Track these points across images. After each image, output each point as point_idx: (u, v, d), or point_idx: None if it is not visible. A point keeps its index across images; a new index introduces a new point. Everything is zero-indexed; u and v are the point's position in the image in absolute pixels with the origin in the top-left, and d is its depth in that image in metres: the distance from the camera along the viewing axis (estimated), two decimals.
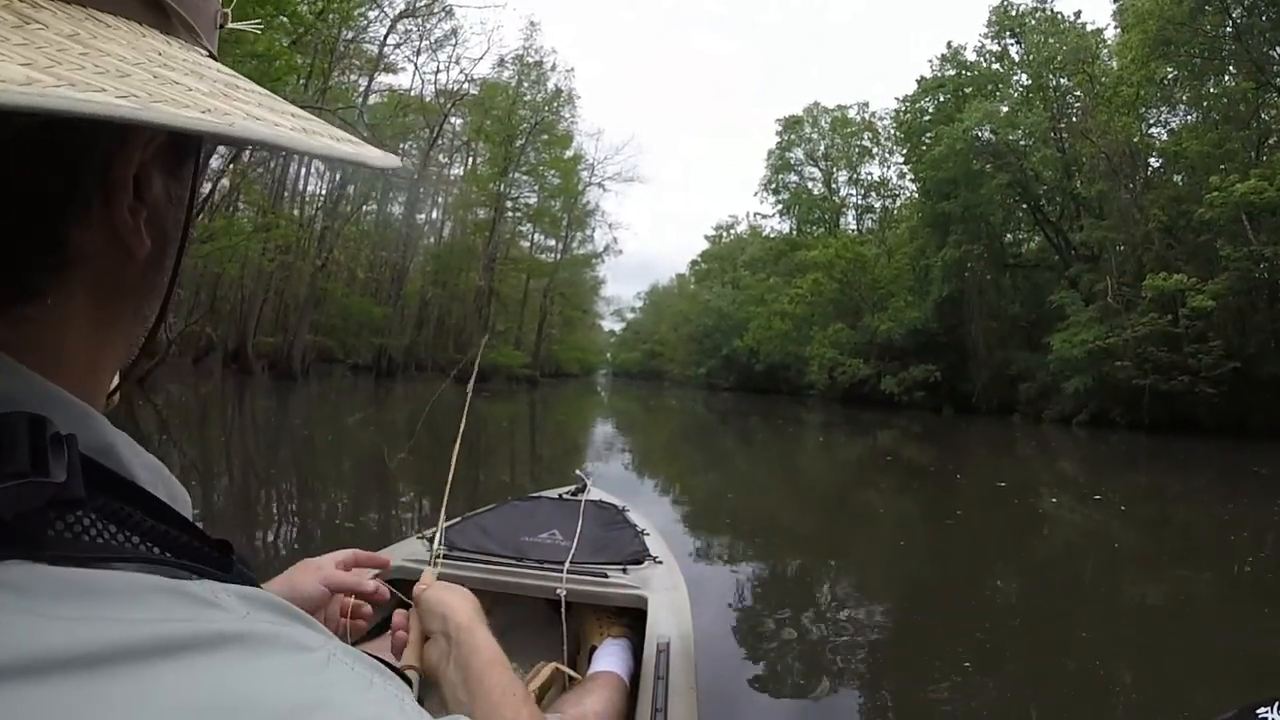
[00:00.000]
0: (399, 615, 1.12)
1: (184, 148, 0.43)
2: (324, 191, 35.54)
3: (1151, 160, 31.52)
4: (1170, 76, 29.43)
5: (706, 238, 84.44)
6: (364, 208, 41.80)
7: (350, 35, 32.30)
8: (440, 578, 2.37)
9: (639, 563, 2.45)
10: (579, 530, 2.63)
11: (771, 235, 60.46)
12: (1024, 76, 36.83)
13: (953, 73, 39.77)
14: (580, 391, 52.49)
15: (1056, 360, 28.01)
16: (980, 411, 32.95)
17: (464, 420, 1.68)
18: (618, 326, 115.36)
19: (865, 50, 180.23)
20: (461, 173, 49.50)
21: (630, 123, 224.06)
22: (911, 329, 37.43)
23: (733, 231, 77.48)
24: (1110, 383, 26.09)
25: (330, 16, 26.19)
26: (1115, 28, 33.10)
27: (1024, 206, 36.40)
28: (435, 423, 19.45)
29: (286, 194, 36.41)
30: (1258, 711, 1.09)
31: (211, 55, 0.41)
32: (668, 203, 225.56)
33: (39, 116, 0.23)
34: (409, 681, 0.93)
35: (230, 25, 0.48)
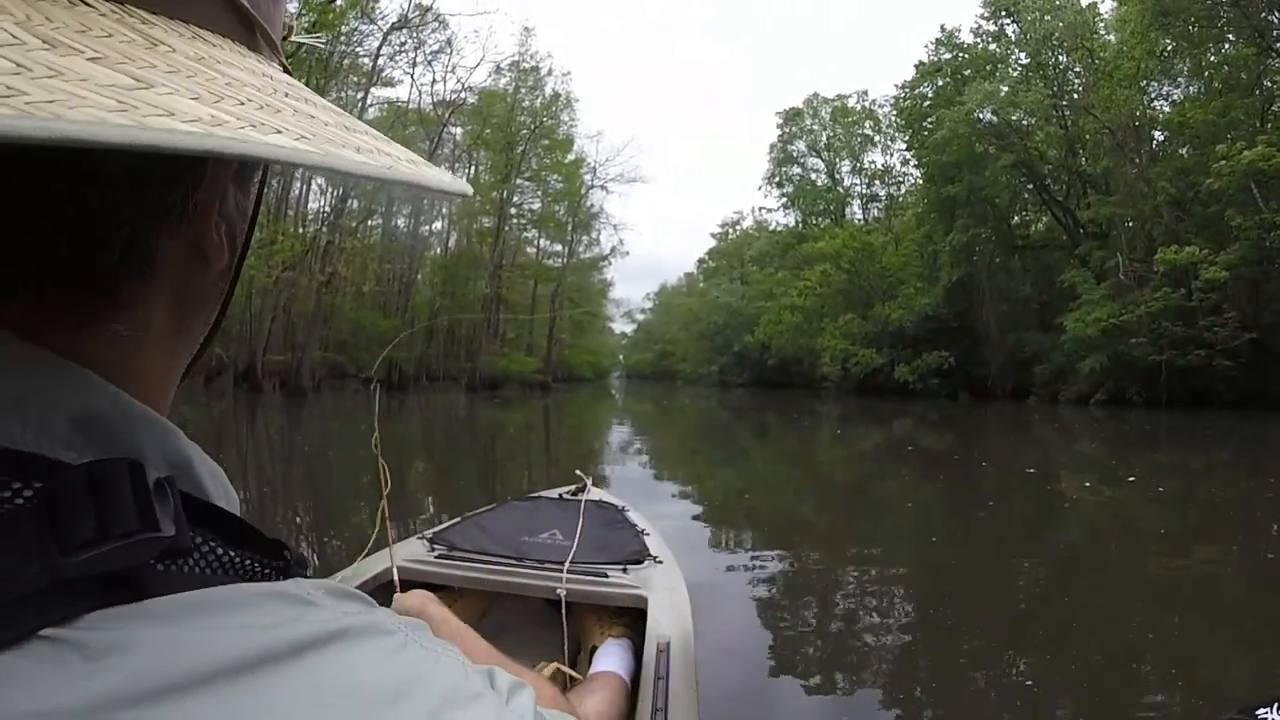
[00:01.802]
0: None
1: (255, 162, 0.43)
2: (328, 208, 35.60)
3: (1156, 133, 31.30)
4: (1170, 48, 29.22)
5: (712, 235, 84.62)
6: (368, 222, 42.01)
7: (344, 48, 32.37)
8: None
9: (639, 562, 2.43)
10: (579, 530, 2.62)
11: (777, 229, 60.47)
12: (1022, 55, 36.66)
13: (949, 56, 39.60)
14: (594, 395, 52.42)
15: (1070, 340, 27.83)
16: (996, 395, 32.76)
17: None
18: (629, 328, 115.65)
19: (857, 53, 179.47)
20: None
21: (622, 127, 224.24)
22: (923, 316, 37.33)
23: (738, 228, 77.54)
24: (1126, 360, 25.91)
25: (324, 33, 26.25)
26: (1112, 1, 32.93)
27: (1030, 186, 36.28)
28: (454, 432, 19.52)
29: (291, 212, 36.51)
30: (1258, 713, 1.07)
31: (285, 69, 0.41)
32: (673, 204, 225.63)
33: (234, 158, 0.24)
34: None
35: (294, 39, 0.48)
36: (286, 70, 0.42)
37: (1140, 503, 8.79)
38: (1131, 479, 10.36)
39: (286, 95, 0.34)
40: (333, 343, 38.31)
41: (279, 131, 0.28)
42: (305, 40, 0.51)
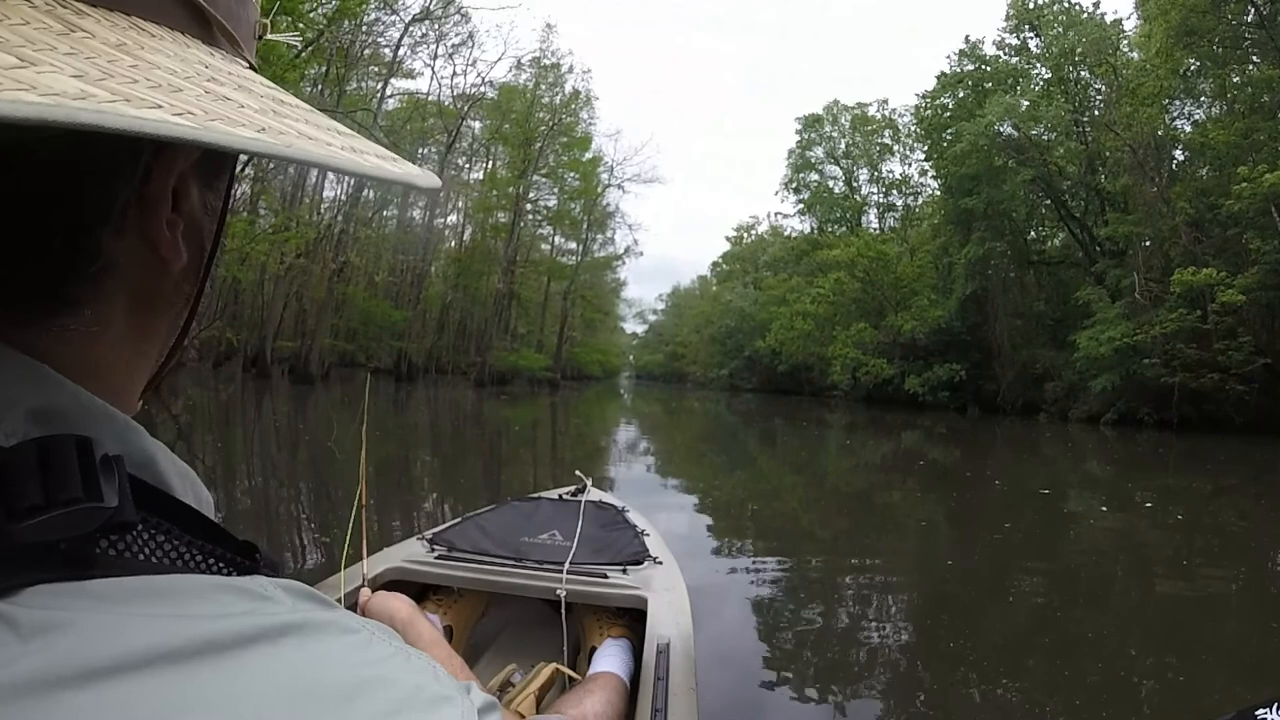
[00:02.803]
0: None
1: (221, 160, 0.43)
2: (343, 196, 35.70)
3: (1176, 153, 31.04)
4: (1194, 67, 29.02)
5: (727, 238, 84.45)
6: (384, 212, 42.14)
7: (365, 38, 32.48)
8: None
9: (639, 563, 2.44)
10: (579, 531, 2.63)
11: (793, 235, 60.35)
12: (1044, 70, 36.44)
13: (972, 67, 39.42)
14: (602, 394, 52.46)
15: (1083, 358, 27.64)
16: (1005, 411, 32.57)
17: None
18: (640, 329, 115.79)
19: (871, 49, 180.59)
20: (481, 176, 49.74)
21: (633, 122, 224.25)
22: (935, 328, 37.14)
23: (754, 232, 77.43)
24: (1138, 381, 25.74)
25: (345, 22, 26.34)
26: (1136, 18, 32.73)
27: (1047, 202, 36.05)
28: (461, 426, 19.54)
29: (307, 199, 36.63)
30: (1257, 713, 1.07)
31: (252, 67, 0.41)
32: (681, 201, 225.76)
33: (86, 129, 0.24)
34: None
35: (268, 37, 0.47)
36: (253, 67, 0.41)
37: (1158, 529, 8.64)
38: (1149, 504, 10.23)
39: (211, 80, 0.33)
40: (343, 331, 38.51)
41: (158, 107, 0.27)
42: (279, 39, 0.51)
